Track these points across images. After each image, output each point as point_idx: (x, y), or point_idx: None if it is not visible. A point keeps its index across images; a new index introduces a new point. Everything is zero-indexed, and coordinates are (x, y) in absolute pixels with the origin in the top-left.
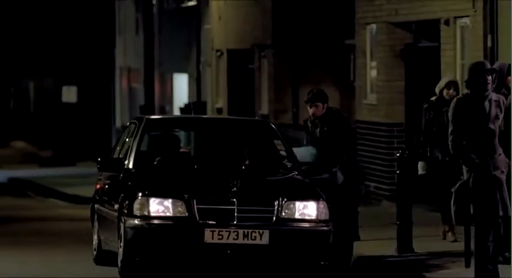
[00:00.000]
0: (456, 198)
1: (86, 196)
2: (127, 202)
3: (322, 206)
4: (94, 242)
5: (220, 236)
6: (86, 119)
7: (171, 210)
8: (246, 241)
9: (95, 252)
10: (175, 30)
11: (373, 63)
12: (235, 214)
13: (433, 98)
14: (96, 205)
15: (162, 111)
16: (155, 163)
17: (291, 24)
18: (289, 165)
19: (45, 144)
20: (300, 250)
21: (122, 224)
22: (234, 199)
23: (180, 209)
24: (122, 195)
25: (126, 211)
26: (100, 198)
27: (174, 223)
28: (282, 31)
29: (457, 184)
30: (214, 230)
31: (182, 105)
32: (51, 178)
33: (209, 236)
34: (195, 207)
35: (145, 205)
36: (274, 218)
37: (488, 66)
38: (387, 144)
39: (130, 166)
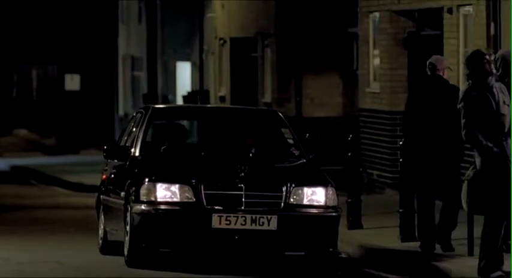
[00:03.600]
0: (470, 187)
1: (89, 184)
2: (133, 188)
3: (330, 192)
4: (100, 233)
5: (228, 222)
6: (89, 107)
7: (178, 195)
8: (253, 227)
9: (100, 241)
10: (178, 18)
11: (376, 52)
12: (243, 199)
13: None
14: (102, 196)
15: (165, 99)
16: (162, 150)
17: (294, 13)
18: (296, 152)
19: (48, 132)
20: (308, 236)
21: (128, 211)
22: (242, 185)
23: (187, 194)
24: (129, 181)
25: (132, 197)
26: (106, 188)
27: (181, 209)
28: (285, 19)
29: (471, 173)
30: (222, 216)
31: (185, 93)
32: (54, 166)
33: (217, 222)
34: (203, 192)
35: (152, 190)
36: (282, 204)
37: (487, 55)
38: (390, 132)
39: (137, 154)
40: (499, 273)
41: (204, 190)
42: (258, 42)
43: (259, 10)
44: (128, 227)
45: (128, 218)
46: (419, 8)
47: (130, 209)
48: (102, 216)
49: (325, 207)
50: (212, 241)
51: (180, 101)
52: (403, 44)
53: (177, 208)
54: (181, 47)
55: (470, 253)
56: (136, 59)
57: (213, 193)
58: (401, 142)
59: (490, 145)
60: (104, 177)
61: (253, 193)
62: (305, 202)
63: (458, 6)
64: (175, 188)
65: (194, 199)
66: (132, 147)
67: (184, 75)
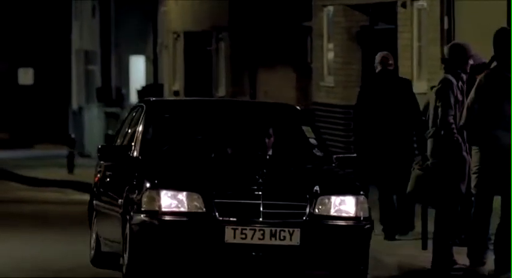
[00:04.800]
0: (423, 178)
1: (43, 178)
2: (134, 195)
3: (361, 201)
4: (92, 243)
5: (244, 236)
6: (43, 101)
7: (185, 205)
8: (273, 242)
9: (92, 252)
10: (132, 12)
11: (330, 45)
12: (261, 209)
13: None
14: (95, 201)
15: (119, 93)
16: (164, 151)
17: (248, 6)
18: (320, 154)
19: (2, 126)
20: (335, 252)
21: (127, 222)
22: (260, 193)
23: (196, 203)
24: (128, 187)
25: (132, 206)
26: (100, 192)
27: (189, 220)
28: (239, 13)
29: (423, 164)
30: (237, 229)
31: (139, 88)
32: (8, 160)
33: (230, 236)
34: (214, 201)
35: (156, 198)
36: (306, 215)
37: (472, 49)
38: (344, 126)
39: (137, 154)
40: (456, 266)
41: (216, 198)
42: (212, 36)
43: (213, 4)
44: (127, 241)
45: (127, 230)
46: (373, 2)
47: (130, 219)
48: (95, 224)
49: (356, 219)
50: (225, 258)
51: (133, 96)
52: (356, 38)
53: (185, 219)
54: (135, 41)
55: (424, 247)
56: (90, 52)
57: (226, 202)
58: (353, 137)
59: (457, 136)
60: (97, 178)
61: (272, 202)
62: (332, 212)
63: (412, 0)
64: (182, 196)
65: (204, 209)
66: (130, 147)
67: (138, 69)
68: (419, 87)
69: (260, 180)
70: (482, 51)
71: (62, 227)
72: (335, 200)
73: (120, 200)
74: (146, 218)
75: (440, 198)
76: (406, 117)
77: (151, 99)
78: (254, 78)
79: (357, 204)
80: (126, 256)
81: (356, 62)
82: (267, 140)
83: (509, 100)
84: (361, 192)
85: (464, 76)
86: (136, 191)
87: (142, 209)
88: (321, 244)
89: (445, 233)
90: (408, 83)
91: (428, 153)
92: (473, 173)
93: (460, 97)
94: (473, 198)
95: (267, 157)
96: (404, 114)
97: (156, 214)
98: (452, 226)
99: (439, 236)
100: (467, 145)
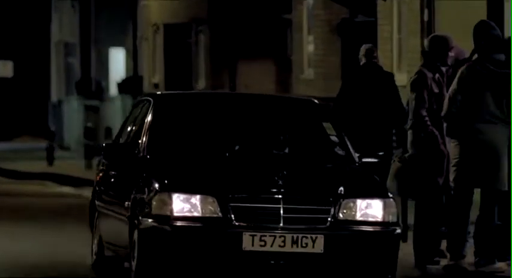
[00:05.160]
0: (403, 170)
1: (23, 171)
2: (142, 198)
3: (389, 205)
4: (94, 247)
5: (263, 243)
6: (22, 94)
7: (199, 209)
8: (294, 249)
9: (94, 256)
10: (112, 4)
11: (310, 38)
12: (281, 214)
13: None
14: (98, 202)
15: (98, 85)
16: (176, 149)
17: None
18: (342, 153)
19: None
20: (361, 261)
21: (135, 228)
22: (280, 196)
23: (211, 207)
24: (135, 189)
25: (141, 209)
26: (103, 193)
27: (203, 226)
28: (218, 5)
29: (402, 156)
30: (255, 235)
31: (119, 80)
32: None
33: (248, 243)
34: (230, 205)
35: (167, 202)
36: (329, 220)
37: (452, 41)
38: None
39: (144, 153)
40: (436, 258)
41: (232, 202)
42: (192, 28)
43: None
44: (135, 248)
45: (135, 236)
46: None
47: (139, 224)
48: (99, 227)
49: (384, 224)
50: (242, 267)
51: (113, 88)
52: (336, 31)
53: (199, 225)
54: (115, 33)
55: (404, 239)
56: (69, 45)
57: (243, 207)
58: None
59: (432, 129)
60: (99, 177)
61: (294, 206)
62: (358, 217)
63: None
64: (195, 199)
65: (220, 214)
66: (137, 145)
67: (117, 61)
68: (400, 79)
69: (280, 182)
70: (462, 43)
71: (44, 220)
72: (361, 203)
73: (127, 202)
74: (156, 224)
75: (418, 191)
76: (388, 110)
77: (158, 93)
78: (234, 71)
79: (385, 207)
80: (134, 263)
81: (336, 54)
82: (283, 137)
83: (491, 93)
84: (389, 195)
85: (443, 69)
86: (145, 193)
87: (153, 213)
88: (346, 252)
89: (424, 226)
90: (391, 77)
91: (408, 145)
92: (453, 166)
93: (436, 89)
94: (452, 192)
95: (286, 156)
96: (387, 107)
97: (168, 219)
98: (433, 218)
99: (419, 229)
100: (445, 137)
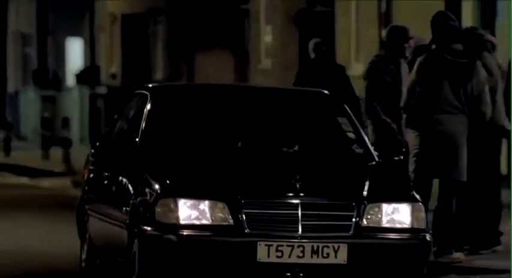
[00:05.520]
0: None
1: None
2: (143, 203)
3: (418, 210)
4: (83, 255)
5: (280, 253)
6: None
7: (208, 216)
8: (315, 260)
9: (83, 264)
10: None
11: (268, 28)
12: (300, 221)
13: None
14: (88, 205)
15: (55, 76)
16: (179, 148)
17: None
18: (360, 151)
19: None
20: (388, 272)
21: (135, 237)
22: (298, 201)
23: (221, 214)
24: (134, 192)
25: (142, 216)
26: (94, 195)
27: (214, 235)
28: None
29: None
30: (271, 245)
31: (77, 71)
32: None
33: (264, 253)
34: (243, 211)
35: (172, 209)
36: (353, 227)
37: (411, 32)
38: None
39: (144, 152)
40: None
41: (246, 208)
42: (150, 18)
43: None
44: (135, 259)
45: (136, 247)
46: None
47: (140, 233)
48: (89, 232)
49: (412, 231)
50: None
51: (70, 78)
52: (294, 21)
53: (208, 234)
54: (73, 23)
55: None
56: (26, 35)
57: (258, 213)
58: None
59: (385, 118)
60: (88, 173)
61: (313, 212)
62: (384, 223)
63: None
64: (204, 205)
65: (232, 222)
66: (134, 144)
67: (75, 51)
68: (358, 69)
69: (297, 185)
70: (420, 34)
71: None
72: (387, 208)
73: (124, 207)
74: (160, 233)
75: None
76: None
77: (156, 85)
78: (192, 61)
79: (413, 212)
80: (134, 277)
81: (293, 44)
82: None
83: (449, 83)
84: (416, 199)
85: (401, 60)
86: (147, 198)
87: (157, 221)
88: (371, 263)
89: None
90: (342, 69)
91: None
92: (412, 156)
93: (389, 80)
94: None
95: (300, 155)
96: (341, 99)
97: (173, 227)
98: None
99: None
100: (402, 127)
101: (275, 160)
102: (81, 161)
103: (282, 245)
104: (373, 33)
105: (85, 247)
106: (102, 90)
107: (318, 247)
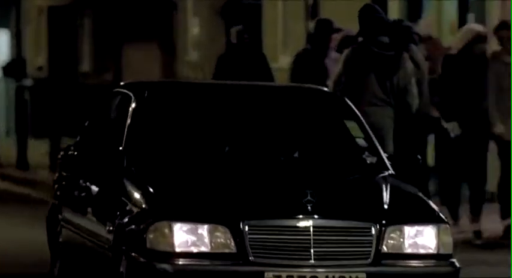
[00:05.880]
0: None
1: None
2: (132, 226)
3: (445, 232)
4: (55, 270)
5: None
6: None
7: (208, 242)
8: None
9: None
10: None
11: (195, 21)
12: (312, 247)
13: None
14: (60, 216)
15: None
16: (170, 160)
17: None
18: (372, 159)
19: None
20: None
21: (121, 263)
22: (310, 223)
23: (222, 240)
24: (120, 212)
25: (130, 242)
26: (69, 205)
27: (213, 264)
28: None
29: None
30: (280, 276)
31: (4, 63)
32: None
33: None
34: (248, 236)
35: (167, 234)
36: (372, 253)
37: (336, 24)
38: None
39: (129, 162)
40: None
41: (251, 232)
42: (77, 10)
43: None
44: None
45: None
46: None
47: (128, 262)
48: (63, 247)
49: (438, 257)
50: None
51: None
52: (221, 13)
53: (208, 263)
54: None
55: None
56: None
57: (264, 239)
58: None
59: None
60: (62, 184)
61: (327, 237)
62: (406, 248)
63: None
64: (203, 230)
65: (235, 249)
66: (117, 152)
67: (1, 44)
68: (285, 62)
69: (308, 206)
70: (348, 27)
71: None
72: (409, 231)
73: (107, 226)
74: (153, 263)
75: None
76: None
77: (139, 83)
78: (119, 54)
79: (439, 235)
80: None
81: (221, 36)
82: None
83: (375, 75)
84: (444, 219)
85: (328, 52)
86: (135, 220)
87: (148, 247)
88: None
89: None
90: (264, 58)
91: None
92: None
93: (315, 71)
94: None
95: (308, 168)
96: None
97: (168, 256)
98: None
99: None
100: None
101: (281, 175)
102: (7, 154)
103: (292, 276)
104: (300, 26)
105: (57, 265)
106: (28, 82)
107: (333, 277)
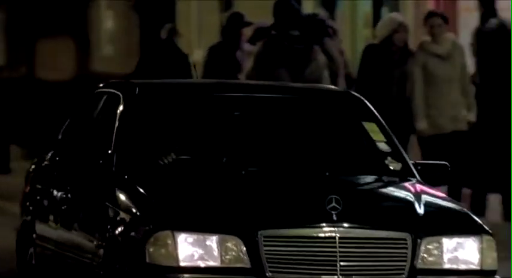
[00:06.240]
0: None
1: None
2: (127, 238)
3: (488, 245)
4: None
5: None
6: None
7: (218, 256)
8: None
9: None
10: None
11: (108, 14)
12: (338, 262)
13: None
14: (35, 235)
15: None
16: (169, 163)
17: None
18: (395, 165)
19: None
20: None
21: None
22: (335, 234)
23: (235, 253)
24: (110, 223)
25: (126, 256)
26: (45, 222)
27: None
28: None
29: None
30: None
31: None
32: None
33: None
34: (264, 249)
35: (170, 246)
36: (406, 268)
37: (247, 18)
38: None
39: (121, 166)
40: None
41: (267, 244)
42: None
43: None
44: None
45: None
46: None
47: None
48: (38, 270)
49: (481, 273)
50: None
51: None
52: (135, 7)
53: None
54: None
55: None
56: None
57: (282, 251)
58: None
59: None
60: (34, 195)
61: (356, 250)
62: (445, 264)
63: None
64: (212, 241)
65: (249, 263)
66: (107, 155)
67: None
68: (199, 56)
69: (334, 214)
70: (261, 20)
71: None
72: (448, 244)
73: (96, 241)
74: None
75: None
76: None
77: (128, 82)
78: (33, 48)
79: (482, 248)
80: None
81: (135, 30)
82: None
83: (287, 69)
84: (487, 229)
85: (240, 45)
86: (131, 231)
87: (148, 262)
88: None
89: None
90: (185, 57)
91: None
92: None
93: (227, 66)
94: None
95: (330, 172)
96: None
97: (171, 271)
98: None
99: None
100: None
101: (299, 179)
102: None
103: None
104: (215, 19)
105: None
106: None
107: None
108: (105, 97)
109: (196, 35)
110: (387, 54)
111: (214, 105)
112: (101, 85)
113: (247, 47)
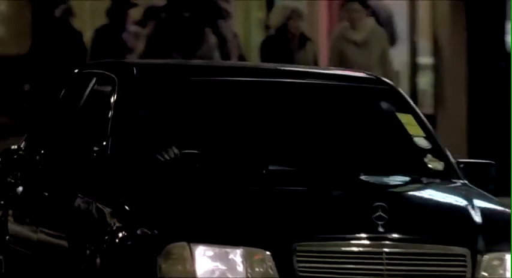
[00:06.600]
0: None
1: None
2: (132, 248)
3: None
4: None
5: None
6: None
7: (242, 271)
8: None
9: None
10: None
11: None
12: None
13: None
14: (12, 244)
15: None
16: (177, 159)
17: None
18: (437, 165)
19: None
20: None
21: None
22: (382, 249)
23: (262, 269)
24: (108, 231)
25: (131, 271)
26: (23, 227)
27: None
28: None
29: None
30: None
31: None
32: None
33: None
34: (297, 264)
35: (186, 259)
36: None
37: None
38: None
39: (121, 161)
40: None
41: (301, 259)
42: None
43: None
44: None
45: None
46: None
47: None
48: None
49: None
50: None
51: None
52: None
53: None
54: None
55: None
56: None
57: (319, 268)
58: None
59: None
60: (7, 195)
61: (405, 266)
62: None
63: None
64: (235, 254)
65: None
66: (102, 147)
67: None
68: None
69: (380, 225)
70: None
71: None
72: (510, 259)
73: (88, 249)
74: None
75: None
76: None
77: (123, 63)
78: None
79: None
80: None
81: (27, 13)
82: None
83: (179, 52)
84: None
85: (126, 26)
86: (138, 240)
87: (160, 277)
88: None
89: None
90: (80, 36)
91: None
92: None
93: (113, 46)
94: None
95: (372, 175)
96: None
97: None
98: None
99: None
100: None
101: (336, 182)
102: None
103: None
104: (106, 2)
105: None
106: None
107: None
108: (94, 80)
109: (89, 17)
110: (284, 43)
111: (228, 91)
112: (88, 64)
113: (133, 28)
